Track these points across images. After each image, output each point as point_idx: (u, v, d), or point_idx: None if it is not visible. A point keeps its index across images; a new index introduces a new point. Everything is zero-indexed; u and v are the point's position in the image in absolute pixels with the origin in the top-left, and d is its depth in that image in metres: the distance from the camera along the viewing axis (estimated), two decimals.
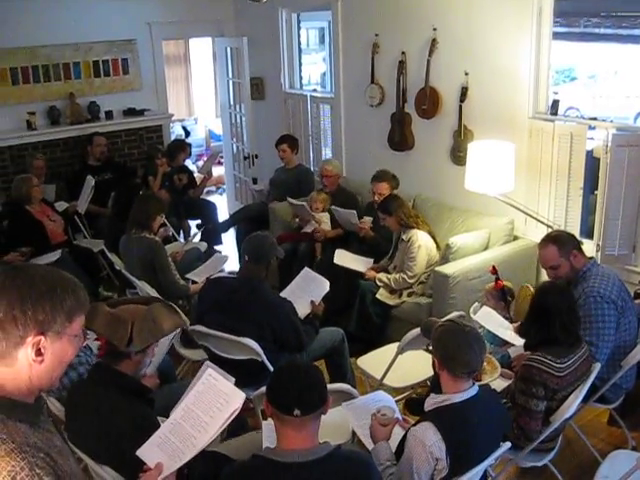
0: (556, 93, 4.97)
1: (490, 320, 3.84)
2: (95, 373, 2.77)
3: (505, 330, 3.79)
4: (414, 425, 2.66)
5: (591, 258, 3.75)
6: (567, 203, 4.80)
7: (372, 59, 6.16)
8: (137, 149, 8.06)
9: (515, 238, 5.17)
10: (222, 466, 2.38)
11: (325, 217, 6.06)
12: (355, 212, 5.69)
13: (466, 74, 5.25)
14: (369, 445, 2.90)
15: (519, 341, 3.62)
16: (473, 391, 2.66)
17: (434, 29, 5.42)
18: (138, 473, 2.17)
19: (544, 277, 4.31)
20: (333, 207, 5.85)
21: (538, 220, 4.89)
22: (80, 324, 1.70)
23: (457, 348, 2.62)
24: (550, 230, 4.60)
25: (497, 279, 4.07)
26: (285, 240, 5.98)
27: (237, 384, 2.45)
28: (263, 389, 2.89)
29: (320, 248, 5.92)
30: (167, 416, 2.40)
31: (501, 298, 4.09)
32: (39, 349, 1.59)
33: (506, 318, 3.97)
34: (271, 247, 4.00)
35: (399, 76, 5.85)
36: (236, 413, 2.22)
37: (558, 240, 3.69)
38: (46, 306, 1.59)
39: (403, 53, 5.80)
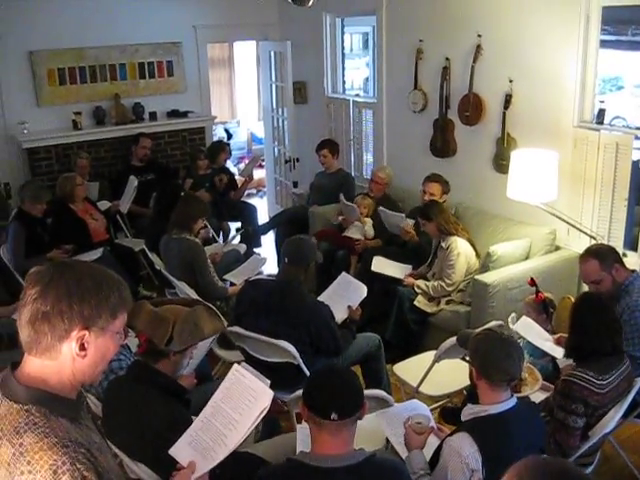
0: (602, 102, 4.87)
1: (530, 331, 3.78)
2: (133, 370, 2.80)
3: (544, 341, 3.73)
4: (450, 435, 2.64)
5: (633, 271, 3.67)
6: (611, 214, 4.71)
7: (416, 65, 6.14)
8: (179, 150, 8.14)
9: (557, 248, 5.09)
10: (255, 468, 2.38)
11: (368, 222, 6.05)
12: (404, 215, 5.65)
13: (510, 81, 5.19)
14: (403, 453, 2.88)
15: (559, 353, 3.57)
16: (511, 402, 2.62)
17: (479, 35, 5.37)
18: (172, 471, 2.18)
19: (586, 289, 4.23)
20: (381, 208, 5.80)
21: (581, 230, 4.81)
22: (123, 321, 1.72)
23: (495, 355, 2.60)
24: (593, 241, 4.52)
25: (537, 292, 4.01)
26: (324, 236, 5.98)
27: (272, 387, 2.45)
28: (298, 392, 2.90)
29: (355, 261, 5.92)
30: None
31: (543, 310, 4.02)
32: (83, 344, 1.61)
33: (547, 330, 3.91)
34: (311, 250, 4.00)
35: (442, 82, 5.82)
36: (265, 412, 2.21)
37: (599, 254, 3.62)
38: (92, 301, 1.61)
39: (447, 59, 5.77)
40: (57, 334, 1.58)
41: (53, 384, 1.62)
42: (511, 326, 3.82)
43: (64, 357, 1.61)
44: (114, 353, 1.73)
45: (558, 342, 3.68)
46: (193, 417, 2.65)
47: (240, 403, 2.25)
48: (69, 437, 1.55)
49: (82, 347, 1.61)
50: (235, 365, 2.44)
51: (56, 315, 1.57)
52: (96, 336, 1.63)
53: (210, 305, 3.07)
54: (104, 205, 6.66)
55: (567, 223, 4.86)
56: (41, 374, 1.61)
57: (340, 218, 6.18)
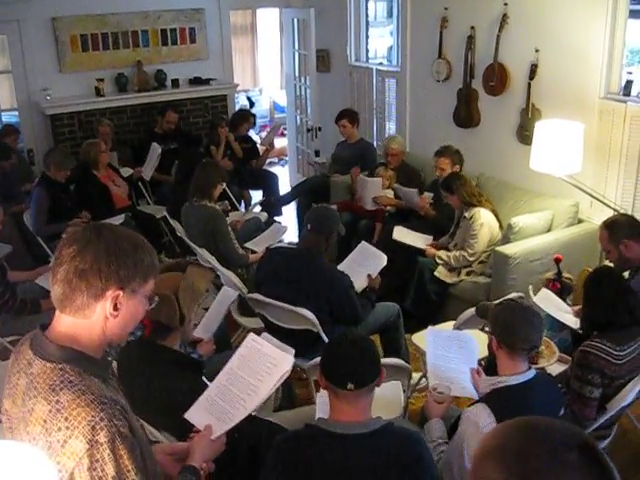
0: (630, 73, 4.79)
1: (549, 303, 3.77)
2: (143, 351, 2.73)
3: (564, 314, 3.72)
4: (469, 406, 2.65)
5: None
6: (636, 187, 4.66)
7: (440, 33, 6.05)
8: (202, 118, 8.13)
9: (579, 221, 5.05)
10: (273, 434, 2.41)
11: (389, 193, 6.04)
12: (417, 191, 5.64)
13: (536, 51, 5.11)
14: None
15: (578, 325, 3.56)
16: (530, 374, 2.63)
17: (505, 4, 5.28)
18: (188, 435, 2.20)
19: (608, 262, 4.20)
20: (396, 185, 5.81)
21: (604, 204, 4.76)
22: (152, 286, 1.75)
23: (516, 323, 2.63)
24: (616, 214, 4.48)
25: (556, 279, 3.98)
26: (346, 208, 5.98)
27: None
28: (317, 360, 2.91)
29: (380, 228, 5.90)
30: None
31: (558, 294, 4.00)
32: (116, 304, 1.64)
33: None
34: (335, 221, 4.00)
35: (467, 51, 5.75)
36: (286, 376, 2.22)
37: (612, 226, 3.67)
38: (128, 263, 1.64)
39: (472, 28, 5.68)
40: (93, 292, 1.61)
41: (84, 342, 1.65)
42: (532, 297, 3.81)
43: (97, 316, 1.64)
44: (142, 316, 1.76)
45: (577, 314, 3.68)
46: (209, 383, 2.67)
47: (259, 370, 2.25)
48: (104, 395, 1.59)
49: (115, 307, 1.64)
50: (250, 334, 2.45)
51: (94, 273, 1.60)
52: (128, 297, 1.66)
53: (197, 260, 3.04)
54: (127, 172, 6.69)
55: (590, 196, 4.81)
56: (73, 332, 1.64)
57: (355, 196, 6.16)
